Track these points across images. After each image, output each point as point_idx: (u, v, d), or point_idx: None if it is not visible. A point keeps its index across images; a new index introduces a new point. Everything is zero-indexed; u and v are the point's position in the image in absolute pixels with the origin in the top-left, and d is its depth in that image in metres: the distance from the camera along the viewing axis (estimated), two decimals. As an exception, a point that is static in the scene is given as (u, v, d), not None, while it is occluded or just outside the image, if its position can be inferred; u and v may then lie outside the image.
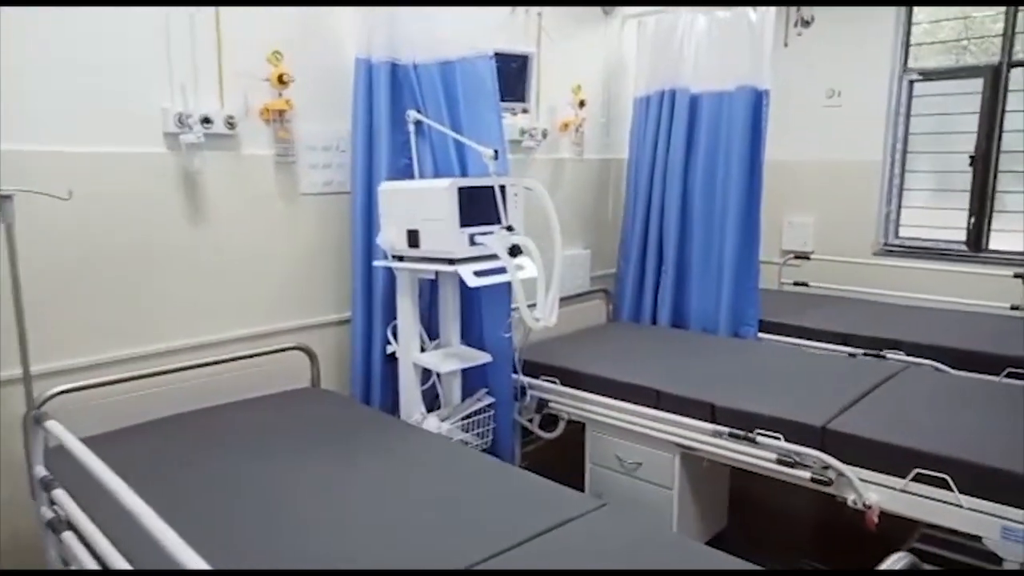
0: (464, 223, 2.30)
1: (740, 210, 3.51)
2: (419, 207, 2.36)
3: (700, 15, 3.58)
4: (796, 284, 4.43)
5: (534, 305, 2.38)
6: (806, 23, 4.81)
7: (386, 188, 2.50)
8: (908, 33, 4.53)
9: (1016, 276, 3.77)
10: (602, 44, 3.83)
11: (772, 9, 3.38)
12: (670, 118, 3.67)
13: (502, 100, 2.82)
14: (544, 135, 3.51)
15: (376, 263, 2.60)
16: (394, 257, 2.52)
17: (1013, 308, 3.69)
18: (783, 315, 3.68)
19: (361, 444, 2.18)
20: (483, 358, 2.59)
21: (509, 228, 2.38)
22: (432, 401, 2.74)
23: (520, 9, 3.31)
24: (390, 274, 2.63)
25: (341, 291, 2.82)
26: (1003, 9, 4.14)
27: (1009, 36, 4.16)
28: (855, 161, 4.63)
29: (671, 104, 3.66)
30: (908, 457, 2.07)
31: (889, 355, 3.18)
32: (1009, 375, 2.92)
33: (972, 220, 4.37)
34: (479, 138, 2.51)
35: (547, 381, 2.91)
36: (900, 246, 4.62)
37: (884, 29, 4.47)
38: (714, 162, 3.60)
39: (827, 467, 2.20)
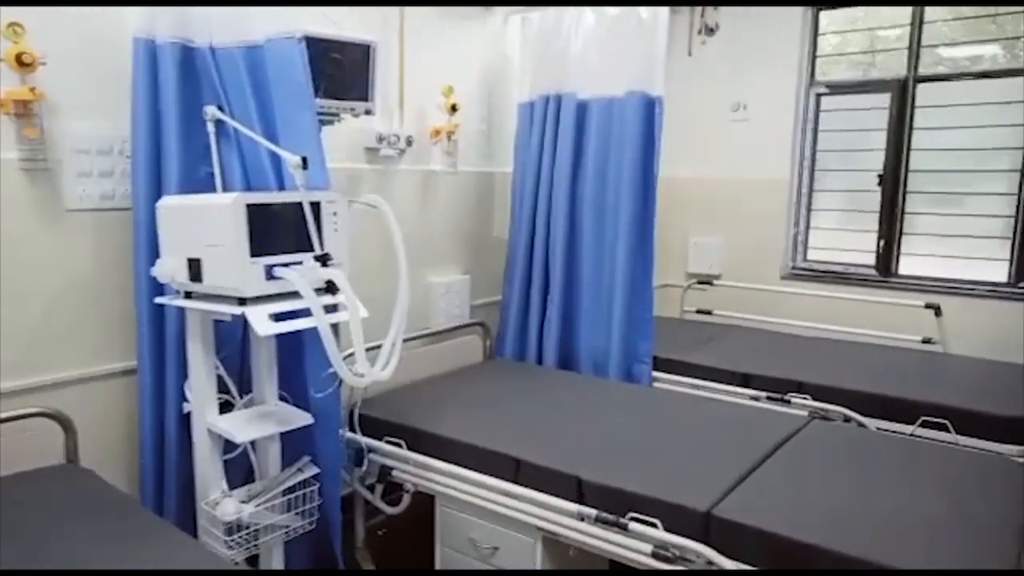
0: (257, 251, 1.77)
1: (631, 230, 3.09)
2: (200, 230, 1.81)
3: (588, 12, 3.16)
4: (700, 312, 4.07)
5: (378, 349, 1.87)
6: (710, 30, 4.50)
7: (164, 204, 1.93)
8: (814, 44, 4.25)
9: (927, 307, 3.49)
10: (482, 42, 3.37)
11: (666, 8, 2.98)
12: (555, 126, 3.23)
13: (339, 97, 2.30)
14: (409, 143, 3.00)
15: (160, 300, 2.02)
16: (184, 293, 1.96)
17: (925, 341, 3.40)
18: (682, 350, 3.28)
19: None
20: (300, 420, 2.05)
21: (323, 258, 1.86)
22: (247, 473, 2.18)
23: (378, -6, 2.81)
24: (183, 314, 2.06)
25: (128, 334, 2.23)
26: (908, 22, 3.91)
27: (914, 49, 3.92)
28: (763, 179, 4.33)
29: (556, 110, 3.22)
30: (808, 554, 1.65)
31: (795, 399, 2.80)
32: (924, 424, 2.58)
33: (882, 243, 4.11)
34: (290, 141, 1.99)
35: (391, 443, 2.39)
36: (809, 270, 4.33)
37: (790, 39, 4.19)
38: (604, 176, 3.17)
39: (711, 563, 1.75)
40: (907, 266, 4.05)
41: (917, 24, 3.89)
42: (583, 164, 3.22)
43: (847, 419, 2.69)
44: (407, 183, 3.07)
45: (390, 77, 2.92)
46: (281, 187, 2.11)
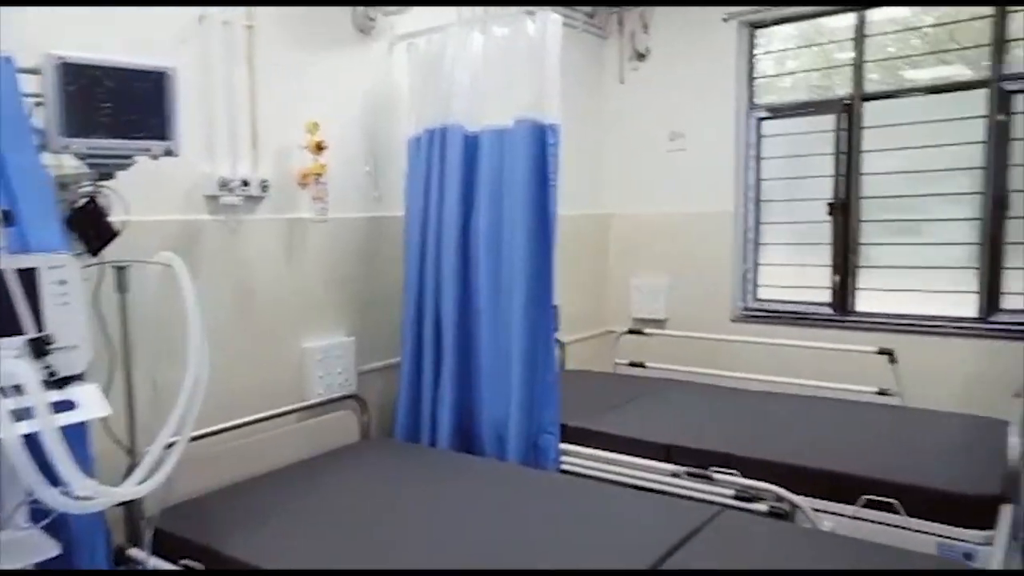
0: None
1: (529, 276, 2.66)
2: None
3: (476, 33, 2.78)
4: (633, 364, 3.61)
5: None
6: (641, 56, 4.15)
7: None
8: (751, 64, 3.90)
9: (881, 352, 3.05)
10: (364, 72, 2.98)
11: (557, 18, 2.60)
12: (442, 163, 2.83)
13: (126, 136, 1.89)
14: (264, 188, 2.59)
15: None
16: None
17: (881, 393, 2.94)
18: (600, 414, 2.84)
19: None
20: (43, 551, 1.59)
21: (39, 343, 1.42)
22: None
23: (215, 14, 2.42)
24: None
25: None
26: (852, 37, 3.55)
27: (859, 66, 3.55)
28: (707, 213, 3.94)
29: (441, 145, 2.82)
30: None
31: (720, 476, 2.34)
32: (868, 504, 2.12)
33: (837, 278, 3.69)
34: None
35: (184, 571, 1.88)
36: (761, 311, 3.91)
37: (725, 62, 3.84)
38: (498, 218, 2.75)
39: None
40: (865, 302, 3.63)
41: (859, 40, 3.53)
42: (475, 205, 2.80)
43: (779, 499, 2.22)
44: (266, 234, 2.65)
45: (239, 113, 2.52)
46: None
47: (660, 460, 2.49)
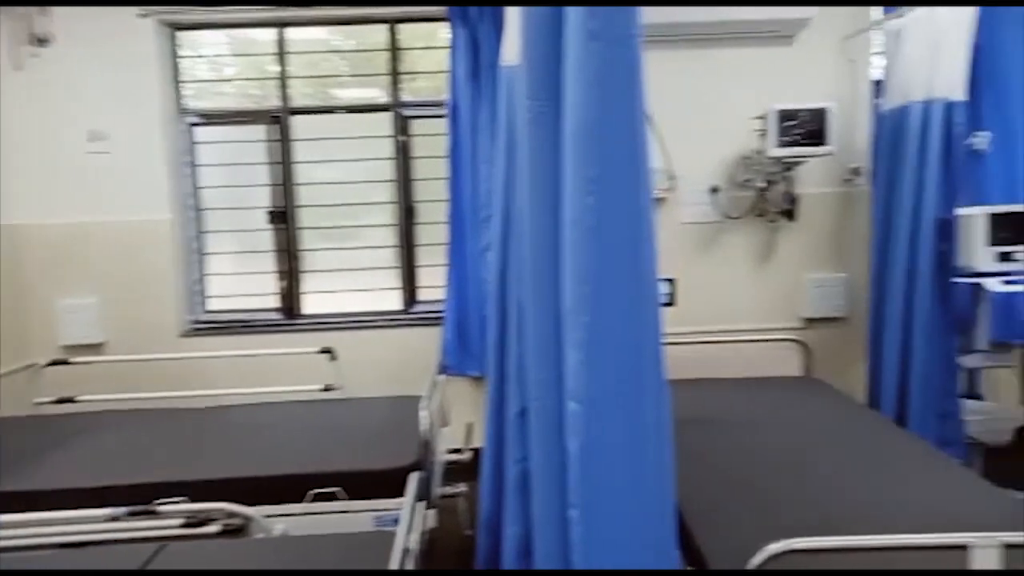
0: None
1: None
2: None
3: None
4: (61, 401, 3.11)
5: None
6: (42, 41, 3.56)
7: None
8: (176, 67, 3.72)
9: (322, 351, 3.28)
10: None
11: None
12: None
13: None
14: None
15: None
16: None
17: (326, 389, 3.17)
18: (14, 470, 2.35)
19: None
20: None
21: None
22: None
23: None
24: None
25: None
26: (276, 52, 3.70)
27: (284, 81, 3.72)
28: (142, 222, 3.61)
29: None
30: None
31: (166, 507, 2.17)
32: (317, 498, 2.25)
33: (283, 284, 3.82)
34: None
35: None
36: (212, 323, 3.79)
37: (147, 60, 3.56)
38: None
39: None
40: (312, 305, 3.86)
41: (282, 55, 3.70)
42: None
43: (231, 515, 2.18)
44: None
45: None
46: None
47: (96, 506, 2.19)
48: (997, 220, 2.84)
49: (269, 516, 2.20)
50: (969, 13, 2.72)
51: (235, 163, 3.79)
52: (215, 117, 3.76)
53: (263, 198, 3.78)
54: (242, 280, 3.85)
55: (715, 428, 2.64)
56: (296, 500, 2.28)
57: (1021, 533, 1.50)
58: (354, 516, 2.24)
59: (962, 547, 1.47)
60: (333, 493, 2.22)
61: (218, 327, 3.76)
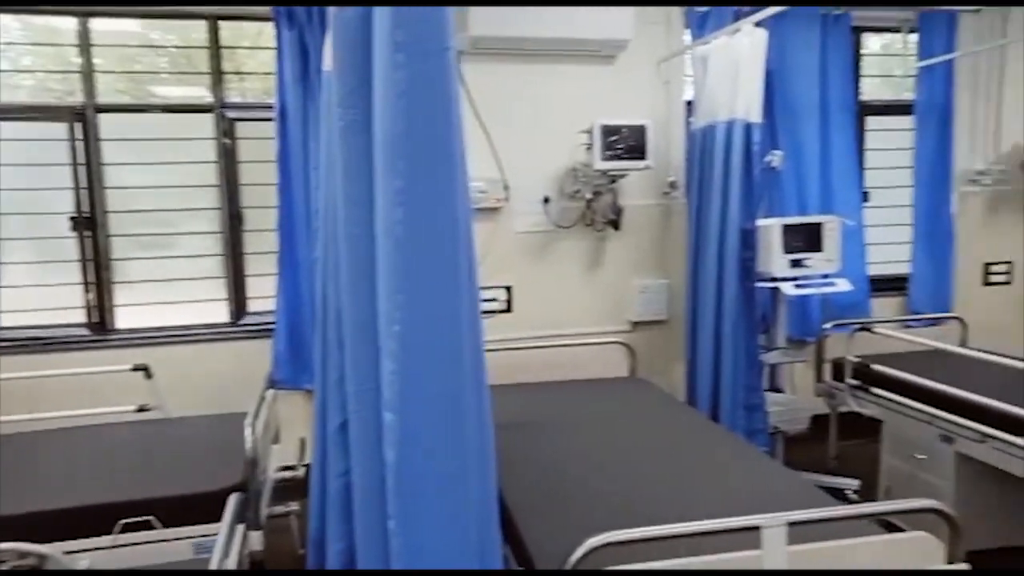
0: None
1: None
2: None
3: None
4: None
5: None
6: None
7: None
8: (-42, 53, 3.30)
9: (136, 369, 3.03)
10: None
11: None
12: None
13: None
14: None
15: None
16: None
17: (140, 410, 2.93)
18: None
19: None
20: None
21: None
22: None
23: None
24: None
25: None
26: (77, 43, 3.37)
27: (88, 75, 3.40)
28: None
29: None
30: None
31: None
32: (126, 528, 2.07)
33: (90, 296, 3.49)
34: None
35: None
36: (5, 340, 3.39)
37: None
38: None
39: None
40: (127, 319, 3.55)
41: (86, 48, 3.38)
42: None
43: (22, 555, 1.96)
44: None
45: None
46: None
47: None
48: (789, 230, 3.17)
49: (72, 552, 2.01)
50: (762, 39, 3.00)
51: (33, 164, 3.41)
52: (10, 112, 3.37)
53: (66, 203, 3.43)
54: (43, 293, 3.48)
55: (545, 430, 2.73)
56: (103, 532, 2.09)
57: (804, 511, 1.67)
58: (171, 545, 2.09)
59: (755, 528, 1.61)
60: (147, 522, 2.06)
61: (13, 346, 3.36)
